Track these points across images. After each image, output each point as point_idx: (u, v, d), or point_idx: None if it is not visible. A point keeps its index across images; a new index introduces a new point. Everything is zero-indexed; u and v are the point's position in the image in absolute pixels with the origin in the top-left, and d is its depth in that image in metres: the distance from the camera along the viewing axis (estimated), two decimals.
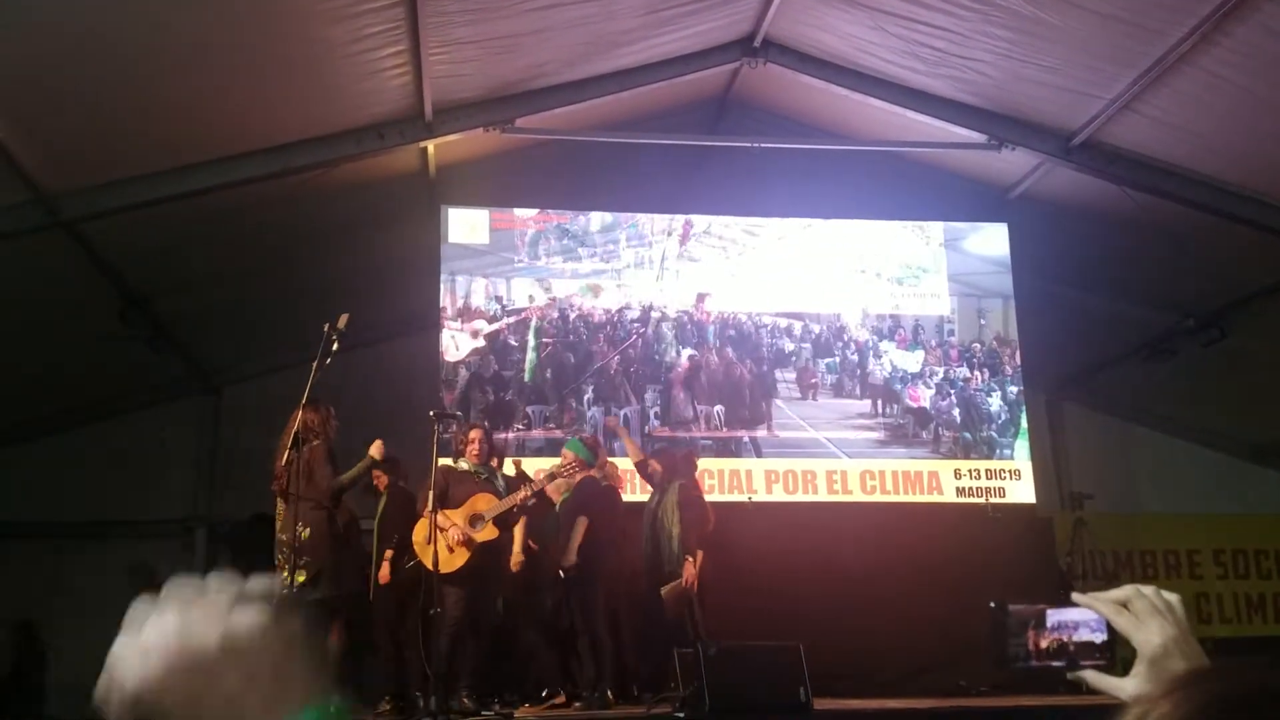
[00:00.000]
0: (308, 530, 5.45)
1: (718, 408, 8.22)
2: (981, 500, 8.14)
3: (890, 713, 5.76)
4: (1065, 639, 1.30)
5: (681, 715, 5.42)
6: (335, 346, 5.37)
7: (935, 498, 8.14)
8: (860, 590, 7.37)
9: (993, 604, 1.22)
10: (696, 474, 7.11)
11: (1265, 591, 9.56)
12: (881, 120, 7.94)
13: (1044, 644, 1.32)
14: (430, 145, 7.35)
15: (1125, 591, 1.16)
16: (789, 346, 8.47)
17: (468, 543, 5.85)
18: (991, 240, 8.76)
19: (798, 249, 8.73)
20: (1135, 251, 8.25)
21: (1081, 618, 1.26)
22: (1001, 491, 8.20)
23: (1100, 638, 1.21)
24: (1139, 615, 1.15)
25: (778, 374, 8.39)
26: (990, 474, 8.25)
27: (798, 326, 8.53)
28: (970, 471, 8.24)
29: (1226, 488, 9.75)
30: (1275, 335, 8.46)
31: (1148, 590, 1.16)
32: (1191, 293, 8.66)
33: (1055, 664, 1.23)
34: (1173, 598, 1.15)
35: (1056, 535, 8.89)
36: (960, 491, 8.17)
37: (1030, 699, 5.72)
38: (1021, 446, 8.38)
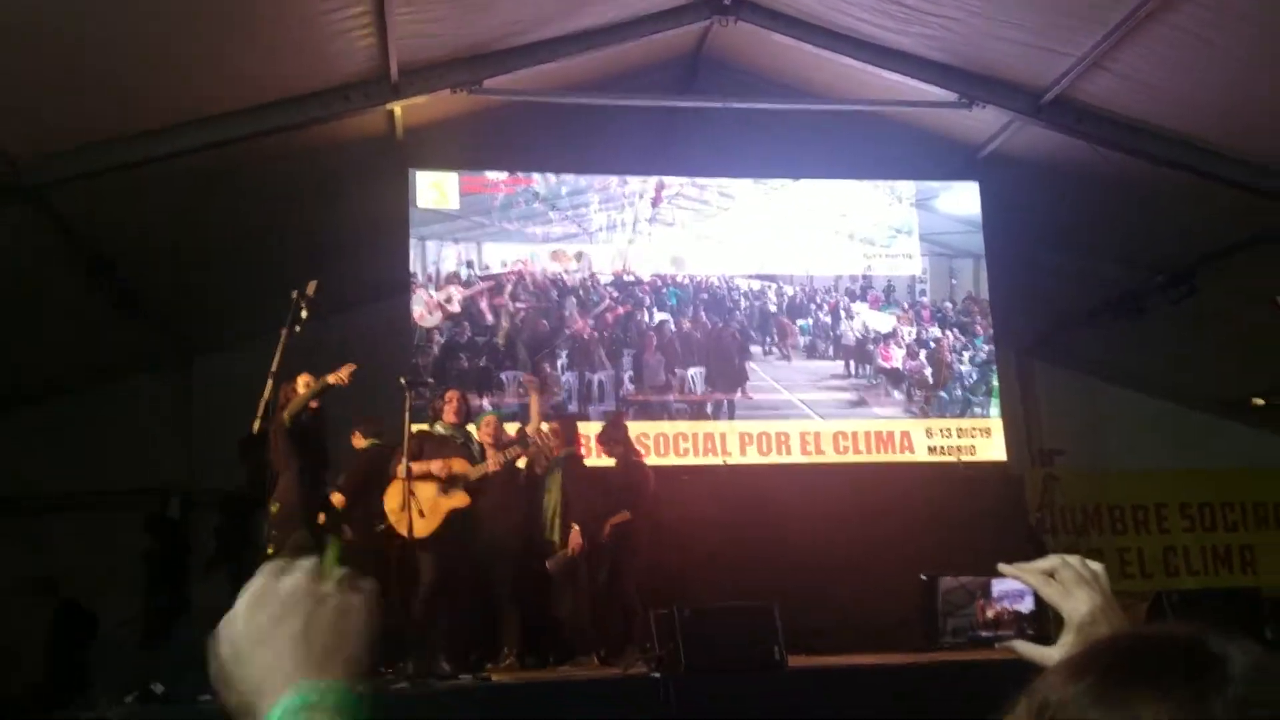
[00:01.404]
0: (276, 505, 5.48)
1: (692, 371, 8.24)
2: (953, 459, 8.22)
3: (862, 668, 5.85)
4: (1011, 608, 1.32)
5: (658, 675, 5.48)
6: (305, 314, 5.34)
7: (907, 457, 8.21)
8: (834, 549, 7.45)
9: (924, 576, 1.24)
10: (625, 436, 7.12)
11: (1231, 544, 9.75)
12: (853, 79, 7.89)
13: (991, 614, 1.34)
14: (397, 107, 7.26)
15: (1051, 561, 1.18)
16: (769, 305, 8.48)
17: (443, 506, 5.88)
18: (963, 199, 8.77)
19: (770, 210, 8.71)
20: (1105, 209, 8.28)
21: (1018, 587, 1.28)
22: (973, 449, 8.29)
23: (1028, 607, 1.24)
24: (1066, 585, 1.17)
25: (755, 336, 8.42)
26: (962, 432, 8.32)
27: (771, 290, 8.54)
28: (942, 430, 8.31)
29: (1195, 442, 9.88)
30: (1243, 291, 8.51)
31: (1073, 560, 1.18)
32: (1161, 250, 8.70)
33: (988, 635, 1.25)
34: (1097, 567, 1.17)
35: (1027, 492, 9.01)
36: (932, 450, 8.25)
37: (999, 653, 5.81)
38: (993, 405, 8.46)
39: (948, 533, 7.32)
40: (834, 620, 6.99)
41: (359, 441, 6.64)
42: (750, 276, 8.54)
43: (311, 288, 5.34)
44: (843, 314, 8.53)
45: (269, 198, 7.76)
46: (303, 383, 5.88)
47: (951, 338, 8.57)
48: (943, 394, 8.44)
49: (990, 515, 8.05)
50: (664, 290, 8.41)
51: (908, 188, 8.86)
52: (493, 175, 8.43)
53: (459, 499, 5.97)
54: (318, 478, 5.96)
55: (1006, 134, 8.08)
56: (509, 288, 8.18)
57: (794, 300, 8.53)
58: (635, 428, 7.67)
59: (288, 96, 6.64)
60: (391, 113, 7.36)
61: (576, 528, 6.39)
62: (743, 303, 8.48)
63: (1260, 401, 7.58)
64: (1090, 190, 8.03)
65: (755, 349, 8.38)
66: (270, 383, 5.37)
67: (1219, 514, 9.75)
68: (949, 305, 8.65)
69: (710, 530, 7.45)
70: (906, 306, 8.61)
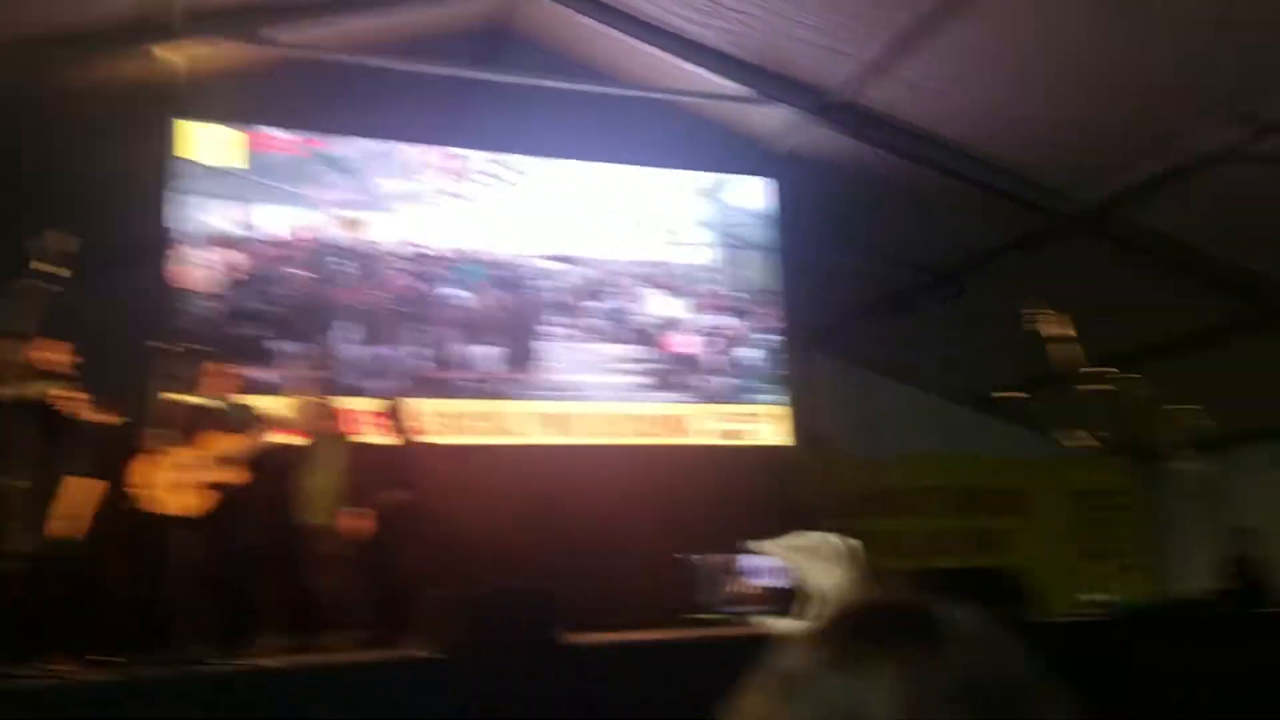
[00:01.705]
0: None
1: (484, 349, 8.11)
2: (736, 443, 8.49)
3: (638, 645, 5.93)
4: (767, 584, 1.32)
5: (437, 657, 5.38)
6: (50, 270, 4.90)
7: (693, 441, 8.41)
8: (617, 529, 7.49)
9: (680, 555, 1.22)
10: (405, 413, 6.95)
11: (989, 527, 10.60)
12: (655, 67, 7.98)
13: (748, 590, 1.34)
14: (176, 54, 6.76)
15: (806, 539, 1.20)
16: (562, 286, 8.44)
17: (203, 482, 5.52)
18: (756, 193, 9.03)
19: (569, 192, 8.68)
20: (886, 210, 8.72)
21: (773, 564, 1.28)
22: (755, 435, 8.59)
23: (783, 582, 1.24)
24: (820, 560, 1.19)
25: (546, 317, 8.36)
26: (746, 418, 8.61)
27: (567, 271, 8.50)
28: (727, 416, 8.57)
29: (957, 433, 10.65)
30: (1003, 294, 9.13)
31: (828, 537, 1.20)
32: (934, 252, 9.27)
33: (743, 610, 1.25)
34: (852, 544, 1.19)
35: (803, 476, 9.41)
36: (717, 435, 8.48)
37: (754, 628, 5.96)
38: (776, 393, 8.77)
39: (729, 514, 7.53)
40: (614, 599, 7.02)
41: (99, 416, 6.12)
42: (547, 257, 8.48)
43: (58, 243, 4.89)
44: (636, 299, 8.62)
45: (23, 143, 7.05)
46: (40, 348, 5.36)
47: (740, 327, 8.82)
48: (729, 380, 8.68)
49: (770, 498, 8.34)
50: (457, 265, 8.23)
51: (704, 178, 9.05)
52: (280, 134, 7.98)
53: (220, 474, 5.63)
54: (52, 453, 5.45)
55: (799, 132, 8.38)
56: (291, 253, 7.77)
57: (589, 283, 8.54)
58: (423, 405, 7.49)
59: (49, 34, 6.05)
60: (169, 59, 6.84)
61: (351, 510, 6.19)
62: (538, 282, 8.41)
63: (1010, 395, 8.21)
64: (873, 191, 8.44)
65: (549, 329, 8.33)
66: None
67: (977, 499, 10.63)
68: (738, 295, 8.90)
69: (496, 511, 7.36)
70: (698, 294, 8.79)
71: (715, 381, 8.64)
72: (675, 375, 8.55)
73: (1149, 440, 8.75)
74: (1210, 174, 7.14)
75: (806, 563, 0.97)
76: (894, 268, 9.52)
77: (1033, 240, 8.52)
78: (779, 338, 8.90)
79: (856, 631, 0.78)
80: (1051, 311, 8.07)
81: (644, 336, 8.56)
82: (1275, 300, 8.40)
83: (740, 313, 8.87)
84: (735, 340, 8.80)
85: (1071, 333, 8.03)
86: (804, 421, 8.81)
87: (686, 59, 7.73)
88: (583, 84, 8.13)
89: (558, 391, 8.20)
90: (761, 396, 8.73)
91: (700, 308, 8.77)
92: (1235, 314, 8.64)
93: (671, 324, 8.65)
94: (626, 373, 8.43)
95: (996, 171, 8.00)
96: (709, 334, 8.74)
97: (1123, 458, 9.97)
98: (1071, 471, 10.48)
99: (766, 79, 7.75)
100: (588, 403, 8.24)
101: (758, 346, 8.83)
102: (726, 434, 8.52)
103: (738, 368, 8.74)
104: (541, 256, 8.46)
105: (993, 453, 10.60)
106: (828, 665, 0.75)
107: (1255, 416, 9.26)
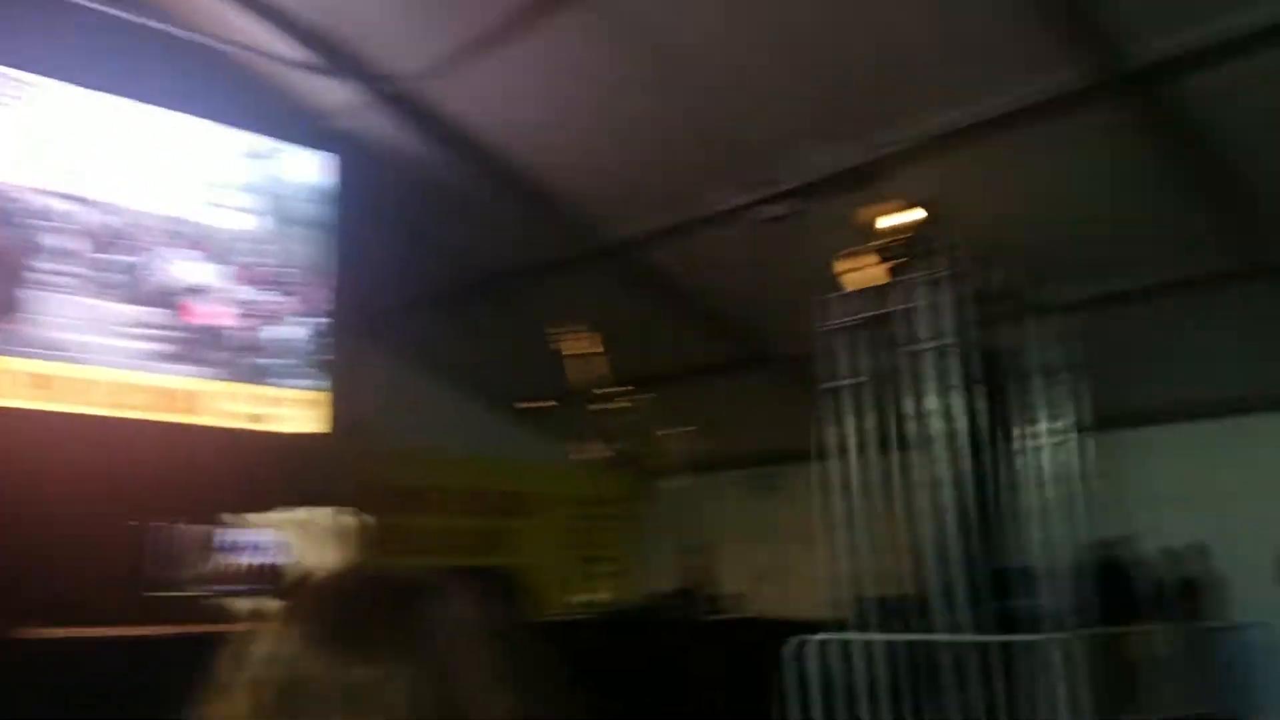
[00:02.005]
0: None
1: None
2: (262, 426, 7.96)
3: (95, 639, 5.31)
4: (243, 562, 1.26)
5: None
6: None
7: (211, 420, 7.72)
8: (97, 509, 6.59)
9: (133, 524, 1.12)
10: None
11: (498, 527, 11.06)
12: (214, 12, 7.34)
13: (217, 568, 1.27)
14: None
15: (303, 514, 1.17)
16: (68, 229, 7.36)
17: None
18: (317, 168, 8.57)
19: (91, 125, 7.59)
20: (444, 209, 8.78)
21: (259, 540, 1.23)
22: (281, 419, 8.12)
23: (271, 560, 1.19)
24: (314, 538, 1.16)
25: (41, 262, 7.21)
26: (271, 401, 8.12)
27: (76, 213, 7.42)
28: (254, 396, 8.01)
29: (492, 435, 11.00)
30: (546, 308, 9.57)
31: (327, 513, 1.18)
32: (486, 257, 9.48)
33: (215, 588, 1.17)
34: (347, 521, 1.18)
35: (331, 465, 9.12)
36: (237, 415, 7.89)
37: (233, 608, 5.59)
38: (312, 377, 8.37)
39: (248, 501, 6.99)
40: (80, 579, 6.20)
41: None
42: (52, 193, 7.33)
43: None
44: (160, 257, 7.77)
45: None
46: None
47: (280, 304, 8.31)
48: (259, 360, 8.13)
49: (297, 486, 7.88)
50: None
51: (260, 142, 8.37)
52: None
53: None
54: None
55: (366, 114, 8.15)
56: None
57: (104, 230, 7.52)
58: None
59: None
60: None
61: None
62: (37, 221, 7.24)
63: (539, 404, 8.66)
64: (433, 188, 8.46)
65: (41, 276, 7.17)
66: None
67: (489, 500, 11.08)
68: (283, 271, 8.37)
69: None
70: (235, 263, 8.14)
71: (243, 359, 8.05)
72: (196, 347, 7.81)
73: (646, 456, 9.71)
74: (727, 229, 8.08)
75: (298, 538, 0.94)
76: (447, 267, 9.58)
77: (574, 263, 9.05)
78: (323, 321, 8.52)
79: (367, 611, 0.77)
80: (581, 331, 8.68)
81: (164, 299, 7.72)
82: (762, 346, 9.70)
83: (283, 289, 8.34)
84: (272, 318, 8.27)
85: (595, 351, 8.69)
86: (339, 410, 8.51)
87: (249, 9, 7.20)
88: (124, 10, 7.22)
89: (48, 350, 7.11)
90: (297, 380, 8.28)
91: (237, 278, 8.11)
92: (729, 355, 9.85)
93: (199, 290, 7.90)
94: (138, 338, 7.55)
95: (547, 193, 8.39)
96: (243, 307, 8.11)
97: (622, 470, 10.95)
98: (576, 480, 11.27)
99: (334, 52, 7.46)
100: (85, 366, 7.24)
101: (298, 327, 8.38)
102: (250, 416, 7.96)
103: (271, 347, 8.22)
104: (46, 192, 7.31)
105: (523, 457, 11.08)
106: (341, 661, 0.72)
107: (734, 445, 10.61)
